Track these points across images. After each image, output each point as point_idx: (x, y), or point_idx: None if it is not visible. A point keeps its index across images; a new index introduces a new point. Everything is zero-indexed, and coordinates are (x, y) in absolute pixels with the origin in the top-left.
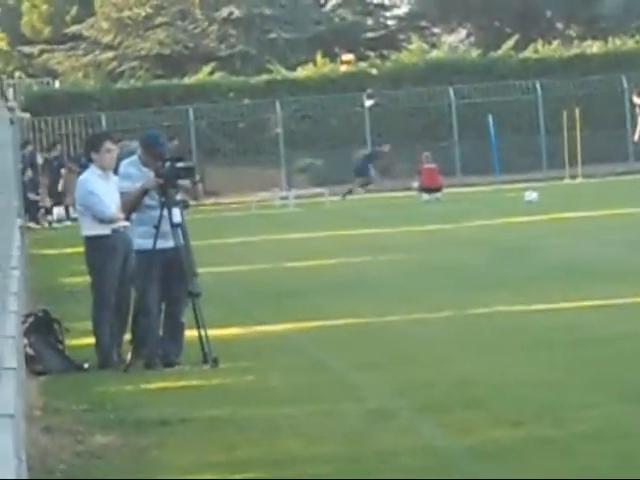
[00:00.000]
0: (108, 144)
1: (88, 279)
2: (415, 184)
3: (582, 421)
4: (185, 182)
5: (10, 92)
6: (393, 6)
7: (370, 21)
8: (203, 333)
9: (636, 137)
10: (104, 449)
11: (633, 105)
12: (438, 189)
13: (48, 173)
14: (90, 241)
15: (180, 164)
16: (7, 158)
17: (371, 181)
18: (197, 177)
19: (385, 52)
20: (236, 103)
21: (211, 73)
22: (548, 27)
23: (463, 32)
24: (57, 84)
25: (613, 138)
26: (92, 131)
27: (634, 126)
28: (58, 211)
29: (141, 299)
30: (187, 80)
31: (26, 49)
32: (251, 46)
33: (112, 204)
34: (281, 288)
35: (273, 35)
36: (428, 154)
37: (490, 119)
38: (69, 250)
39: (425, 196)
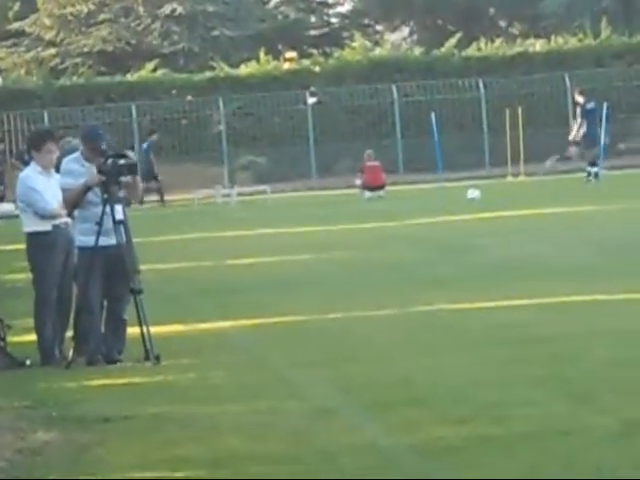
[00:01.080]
0: (50, 145)
1: (29, 276)
2: (358, 182)
3: (523, 419)
4: (127, 179)
5: None
6: (336, 4)
7: (313, 19)
8: (145, 330)
9: (571, 136)
10: (46, 446)
11: (575, 104)
12: (381, 187)
13: None
14: (31, 237)
15: (122, 161)
16: None
17: None
18: (159, 177)
19: (328, 50)
20: (179, 100)
21: (154, 70)
22: (491, 25)
23: (406, 30)
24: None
25: (555, 136)
26: (34, 128)
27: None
28: (1, 208)
29: (83, 296)
30: (130, 77)
31: None
32: (194, 43)
33: (53, 200)
34: (223, 285)
35: (216, 32)
36: (370, 152)
37: (433, 117)
38: (10, 247)
39: (367, 194)
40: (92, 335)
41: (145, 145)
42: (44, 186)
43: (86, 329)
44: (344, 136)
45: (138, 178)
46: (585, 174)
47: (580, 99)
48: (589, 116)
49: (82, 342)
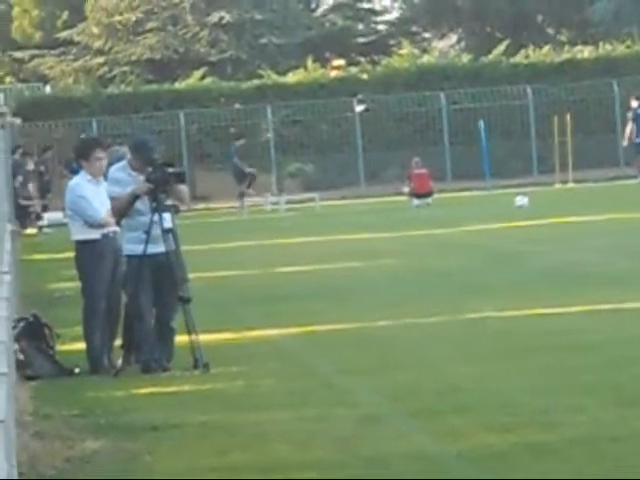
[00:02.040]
0: (98, 152)
1: (78, 284)
2: (406, 189)
3: (573, 426)
4: (178, 187)
5: (1, 97)
6: (384, 11)
7: (361, 26)
8: (194, 338)
9: (625, 141)
10: (94, 454)
11: (629, 110)
12: (429, 194)
13: (38, 178)
14: (80, 245)
15: (170, 169)
16: None
17: None
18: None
19: (376, 57)
20: (227, 108)
21: (202, 78)
22: (539, 32)
23: (454, 37)
24: (48, 89)
25: (604, 143)
26: (83, 136)
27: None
28: (48, 216)
29: (133, 305)
30: (178, 85)
31: (17, 54)
32: (242, 51)
33: (102, 209)
34: (272, 293)
35: (264, 40)
36: (418, 159)
37: (481, 124)
38: (59, 255)
39: (416, 201)
40: (145, 343)
41: (232, 149)
42: (93, 194)
43: (138, 337)
44: (392, 144)
45: (185, 187)
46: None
47: (634, 104)
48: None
49: (133, 350)
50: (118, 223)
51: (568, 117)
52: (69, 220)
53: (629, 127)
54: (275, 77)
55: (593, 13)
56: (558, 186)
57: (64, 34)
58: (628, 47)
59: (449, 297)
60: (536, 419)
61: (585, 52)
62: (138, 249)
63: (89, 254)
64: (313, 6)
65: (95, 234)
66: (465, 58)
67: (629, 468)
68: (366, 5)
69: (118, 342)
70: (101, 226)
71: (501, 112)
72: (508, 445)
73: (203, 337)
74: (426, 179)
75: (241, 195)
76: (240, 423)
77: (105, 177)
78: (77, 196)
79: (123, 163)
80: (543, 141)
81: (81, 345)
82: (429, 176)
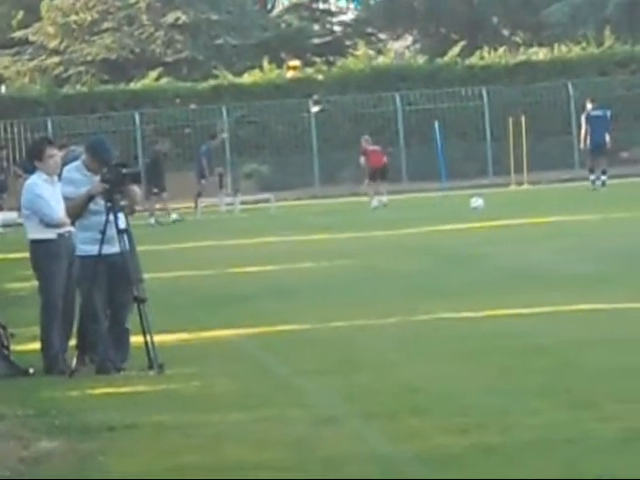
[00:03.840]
0: (49, 150)
1: (35, 284)
2: (362, 161)
3: (527, 428)
4: (132, 188)
5: None
6: (340, 12)
7: (317, 27)
8: (149, 339)
9: (582, 145)
10: (49, 455)
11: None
12: (384, 168)
13: None
14: (35, 245)
15: (125, 170)
16: None
17: None
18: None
19: (331, 58)
20: (182, 108)
21: (157, 78)
22: (494, 34)
23: (409, 39)
24: (3, 89)
25: (559, 145)
26: (37, 136)
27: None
28: (3, 216)
29: (87, 305)
30: (133, 85)
31: None
32: (198, 52)
33: (59, 208)
34: (227, 293)
35: (220, 41)
36: (367, 137)
37: (436, 125)
38: (14, 255)
39: (374, 202)
40: (99, 343)
41: (204, 148)
42: (49, 194)
43: (93, 338)
44: (347, 144)
45: (137, 188)
46: (590, 182)
47: (589, 106)
48: (594, 122)
49: (88, 351)
50: (72, 223)
51: (523, 119)
52: (24, 219)
53: (584, 130)
54: (231, 78)
55: (549, 15)
56: (513, 187)
57: (19, 34)
58: (583, 49)
59: (404, 298)
60: (492, 421)
61: (540, 54)
62: (93, 249)
63: (45, 254)
64: (269, 7)
65: (51, 234)
66: (420, 59)
67: (582, 470)
68: (322, 6)
69: (72, 342)
70: (58, 226)
71: (456, 113)
72: (464, 447)
73: (158, 337)
74: (380, 155)
75: (198, 195)
76: (195, 424)
77: (59, 177)
78: (35, 195)
79: (78, 163)
80: (498, 143)
81: (36, 345)
82: (382, 152)
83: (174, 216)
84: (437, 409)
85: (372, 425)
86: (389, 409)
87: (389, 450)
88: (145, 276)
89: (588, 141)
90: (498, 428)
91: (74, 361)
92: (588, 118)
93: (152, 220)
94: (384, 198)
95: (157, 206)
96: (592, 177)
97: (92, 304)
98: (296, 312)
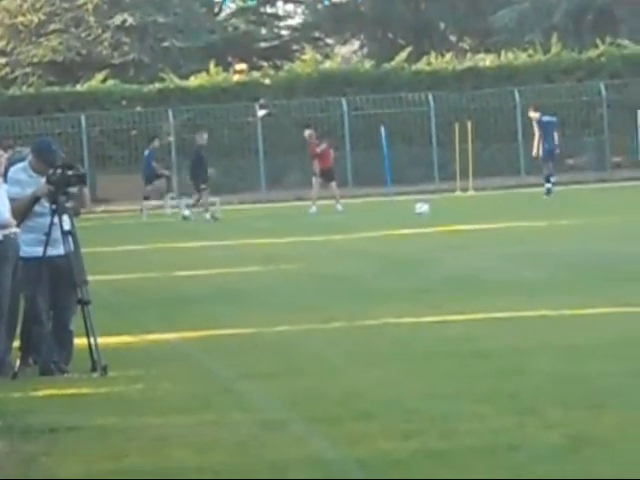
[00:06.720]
0: None
1: None
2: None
3: (472, 434)
4: (75, 189)
5: None
6: (287, 16)
7: (264, 31)
8: (92, 341)
9: (534, 152)
10: None
11: (529, 119)
12: (330, 171)
13: None
14: None
15: (71, 171)
16: None
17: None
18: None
19: (278, 62)
20: (128, 111)
21: (104, 81)
22: (441, 39)
23: (356, 43)
24: None
25: (505, 152)
26: None
27: (532, 140)
28: None
29: (31, 307)
30: (80, 87)
31: None
32: (144, 54)
33: (4, 209)
34: (171, 297)
35: (166, 43)
36: (311, 131)
37: (382, 130)
38: None
39: (313, 208)
40: (43, 345)
41: (147, 152)
42: None
43: (36, 339)
44: (294, 149)
45: (86, 189)
46: (545, 190)
47: (534, 115)
48: (546, 128)
49: (31, 352)
50: (18, 225)
51: (469, 125)
52: None
53: (537, 136)
54: (177, 81)
55: (496, 21)
56: (459, 193)
57: None
58: (530, 56)
59: (348, 303)
60: (435, 426)
61: (487, 60)
62: (36, 251)
63: None
64: (216, 10)
65: None
66: (367, 64)
67: (526, 476)
68: (269, 10)
69: (16, 344)
70: (3, 227)
71: (403, 119)
72: (408, 452)
73: (101, 340)
74: (328, 155)
75: (146, 198)
76: (138, 426)
77: (5, 178)
78: None
79: (24, 164)
80: (444, 148)
81: None
82: (330, 152)
83: (207, 215)
84: (381, 414)
85: (316, 430)
86: (333, 414)
87: (333, 455)
88: (89, 278)
89: (541, 148)
90: (442, 433)
91: (17, 362)
92: (541, 124)
93: (207, 215)
94: (339, 206)
95: (198, 200)
96: (548, 185)
97: (36, 306)
98: (241, 316)
